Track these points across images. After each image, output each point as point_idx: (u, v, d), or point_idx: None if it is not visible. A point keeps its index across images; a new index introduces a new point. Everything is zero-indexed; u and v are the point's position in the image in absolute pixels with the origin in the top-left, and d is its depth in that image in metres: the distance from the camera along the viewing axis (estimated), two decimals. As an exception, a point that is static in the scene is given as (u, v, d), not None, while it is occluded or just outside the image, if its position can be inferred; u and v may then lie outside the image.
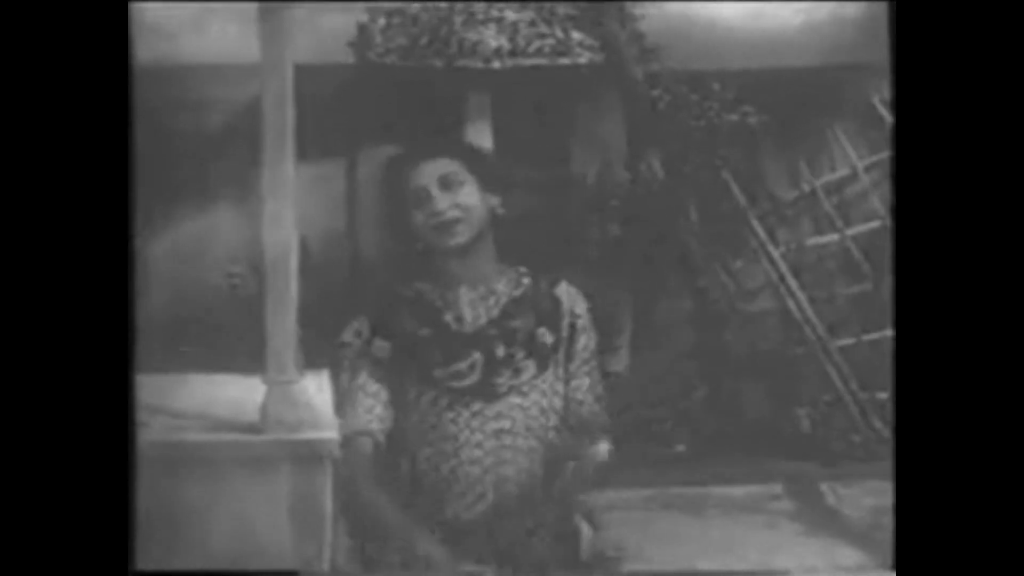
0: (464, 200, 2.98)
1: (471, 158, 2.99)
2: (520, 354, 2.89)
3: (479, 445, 2.92)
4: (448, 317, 2.95)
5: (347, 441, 2.99)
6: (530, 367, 2.88)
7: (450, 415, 2.91)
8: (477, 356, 2.92)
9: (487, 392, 2.92)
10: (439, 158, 3.03)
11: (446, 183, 2.98)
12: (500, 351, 2.89)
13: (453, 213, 2.93)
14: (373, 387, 2.95)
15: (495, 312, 2.94)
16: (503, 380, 2.94)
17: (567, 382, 2.94)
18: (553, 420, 3.03)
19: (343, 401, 2.93)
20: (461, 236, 2.95)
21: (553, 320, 2.96)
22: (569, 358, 2.95)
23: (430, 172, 2.97)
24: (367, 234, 5.56)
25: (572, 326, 3.00)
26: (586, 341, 3.03)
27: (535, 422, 2.88)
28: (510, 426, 2.91)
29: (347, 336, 3.10)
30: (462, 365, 2.91)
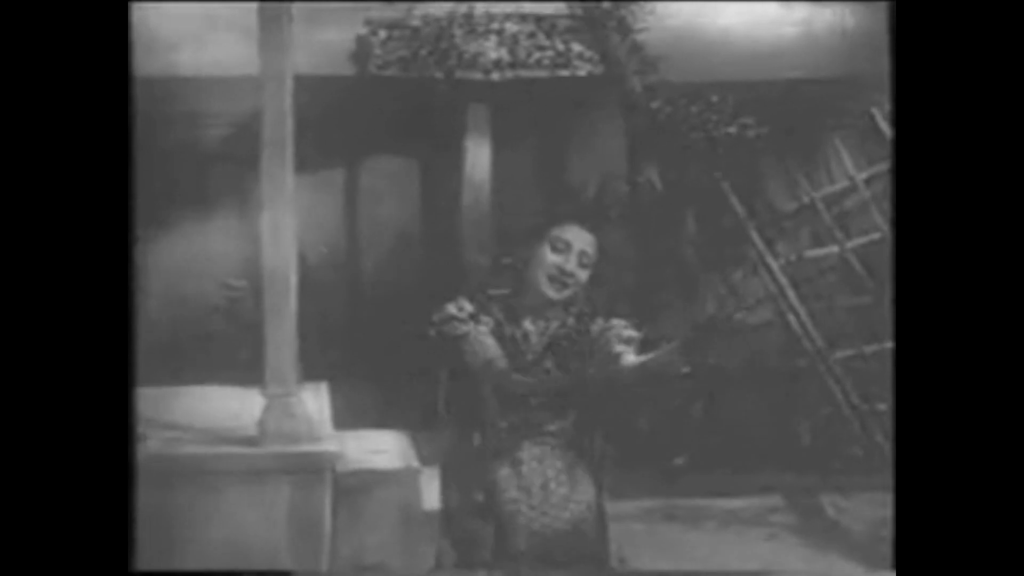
0: (580, 277, 3.56)
1: (602, 248, 3.62)
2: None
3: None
4: (508, 328, 3.59)
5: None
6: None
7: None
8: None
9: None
10: (589, 233, 3.59)
11: (584, 259, 3.57)
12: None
13: (571, 280, 3.54)
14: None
15: (544, 342, 3.58)
16: None
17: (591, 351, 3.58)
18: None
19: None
20: (559, 295, 3.55)
21: (579, 356, 3.57)
22: (590, 349, 3.58)
23: (579, 238, 3.57)
24: (367, 246, 5.57)
25: (599, 335, 3.58)
26: (609, 330, 3.57)
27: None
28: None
29: (451, 310, 3.62)
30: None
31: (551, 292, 3.52)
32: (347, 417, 4.89)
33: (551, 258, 3.50)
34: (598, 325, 3.57)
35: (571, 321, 3.58)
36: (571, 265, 3.51)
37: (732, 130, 5.40)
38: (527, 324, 3.58)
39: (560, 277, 3.50)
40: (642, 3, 5.35)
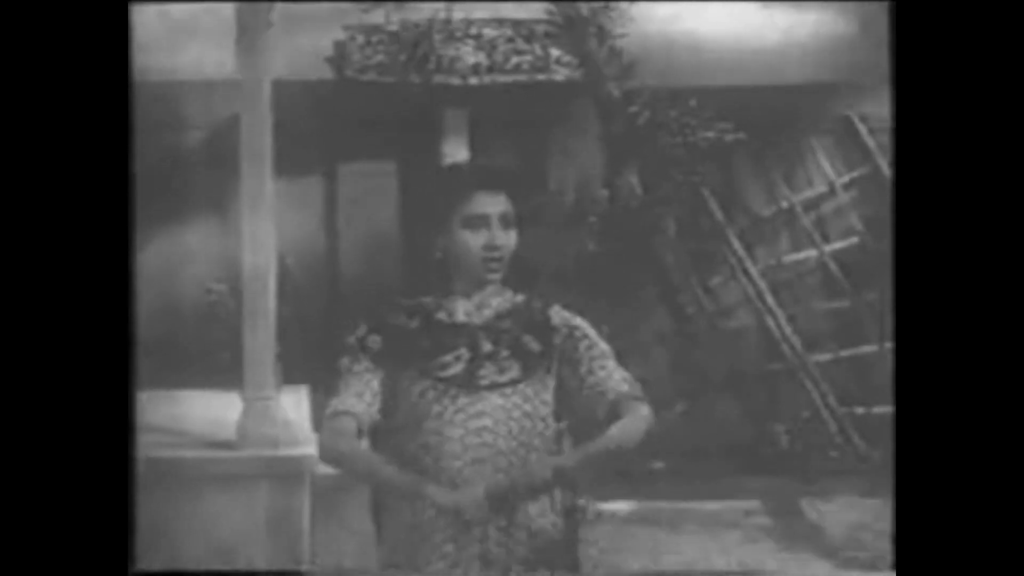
0: (511, 242, 3.08)
1: (517, 196, 3.11)
2: (505, 353, 3.01)
3: (460, 440, 2.97)
4: (440, 314, 3.08)
5: (331, 417, 3.08)
6: (514, 368, 3.01)
7: (436, 408, 2.98)
8: (463, 350, 3.01)
9: (469, 384, 2.99)
10: (501, 193, 3.07)
11: (506, 222, 3.07)
12: (486, 346, 3.00)
13: (504, 253, 3.06)
14: (366, 376, 3.08)
15: (487, 314, 3.07)
16: (485, 374, 3.00)
17: (581, 384, 3.05)
18: (540, 426, 3.05)
19: (337, 384, 3.11)
20: (498, 274, 3.07)
21: (541, 332, 3.04)
22: (575, 364, 3.06)
23: (493, 204, 3.06)
24: (346, 250, 5.57)
25: (570, 336, 3.09)
26: (589, 344, 3.10)
27: (516, 425, 2.98)
28: (491, 424, 2.97)
29: (350, 339, 3.13)
30: (448, 356, 3.01)
31: (494, 276, 3.05)
32: (326, 421, 4.88)
33: (473, 241, 3.04)
34: (554, 311, 3.10)
35: (519, 300, 3.09)
36: (498, 237, 3.04)
37: (711, 135, 5.41)
38: (460, 302, 3.07)
39: (492, 254, 3.03)
40: (621, 9, 5.35)
